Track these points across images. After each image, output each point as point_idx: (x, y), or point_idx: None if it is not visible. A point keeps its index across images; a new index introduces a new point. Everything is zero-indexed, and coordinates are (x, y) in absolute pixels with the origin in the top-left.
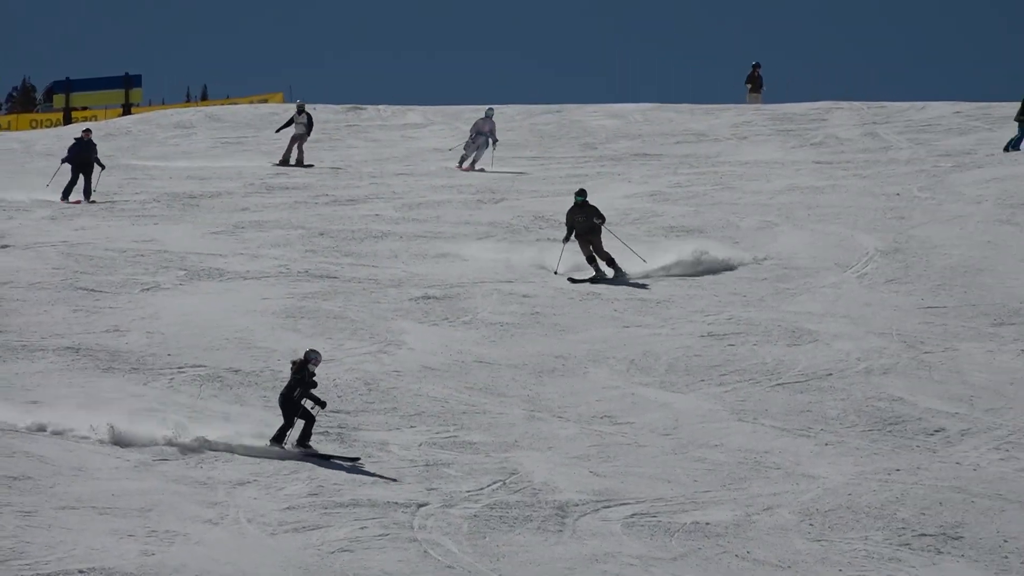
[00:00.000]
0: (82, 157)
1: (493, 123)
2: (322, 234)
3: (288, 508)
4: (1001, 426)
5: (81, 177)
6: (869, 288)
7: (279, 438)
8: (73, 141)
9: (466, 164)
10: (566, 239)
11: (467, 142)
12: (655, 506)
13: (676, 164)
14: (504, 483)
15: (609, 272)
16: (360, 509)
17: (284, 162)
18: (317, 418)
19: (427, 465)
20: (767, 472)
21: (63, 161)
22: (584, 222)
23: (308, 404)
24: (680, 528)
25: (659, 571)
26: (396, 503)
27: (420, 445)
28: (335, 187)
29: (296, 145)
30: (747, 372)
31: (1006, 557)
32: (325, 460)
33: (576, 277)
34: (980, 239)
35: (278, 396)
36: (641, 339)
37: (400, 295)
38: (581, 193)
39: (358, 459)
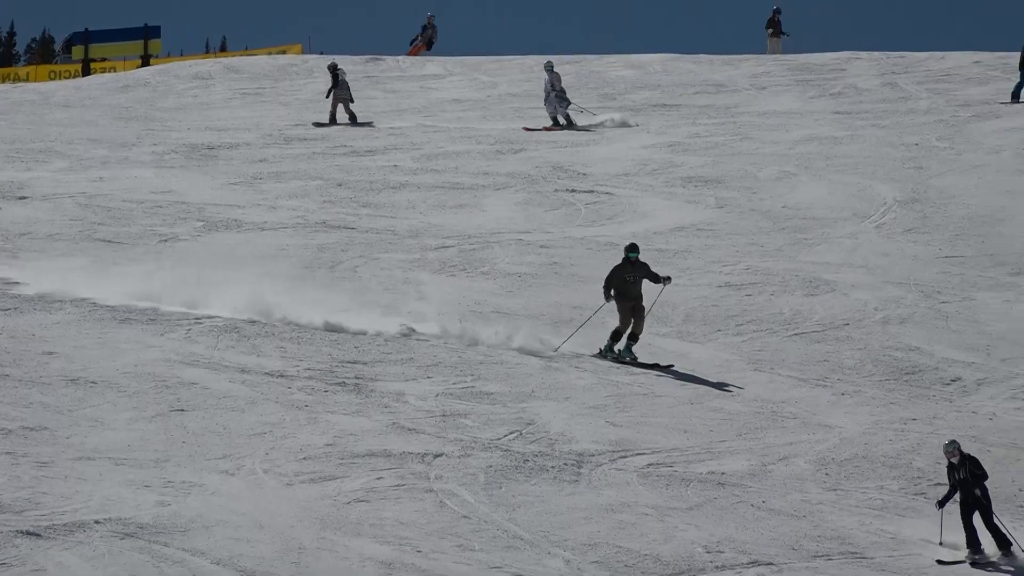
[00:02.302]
0: None
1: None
2: (340, 185)
3: (304, 459)
4: (1017, 376)
5: None
6: (887, 238)
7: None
8: None
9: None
10: (607, 298)
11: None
12: (671, 456)
13: (695, 115)
14: (520, 433)
15: (623, 349)
16: (376, 459)
17: (332, 120)
18: None
19: (444, 415)
20: (783, 422)
21: None
22: (634, 284)
23: None
24: (696, 478)
25: (675, 520)
26: (412, 453)
27: (437, 395)
28: (353, 138)
29: (343, 106)
30: (764, 322)
31: (1021, 506)
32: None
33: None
34: (998, 189)
35: None
36: (658, 289)
37: (418, 245)
38: (633, 248)
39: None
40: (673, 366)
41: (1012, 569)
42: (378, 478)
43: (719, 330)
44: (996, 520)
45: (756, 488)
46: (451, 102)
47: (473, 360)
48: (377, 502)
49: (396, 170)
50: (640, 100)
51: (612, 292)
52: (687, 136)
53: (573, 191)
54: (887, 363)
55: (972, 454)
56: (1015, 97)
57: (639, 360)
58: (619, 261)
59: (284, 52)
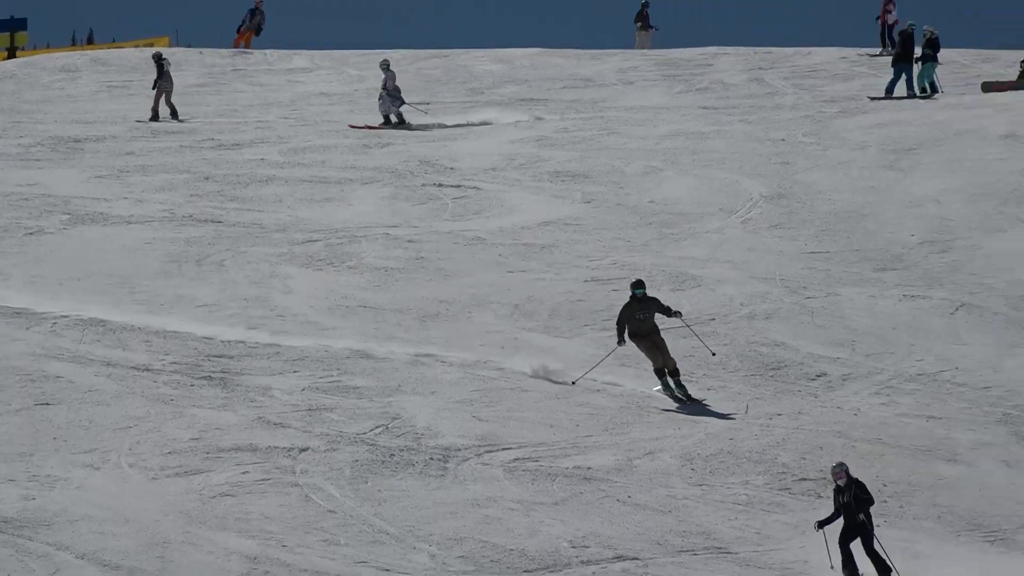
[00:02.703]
0: None
1: (387, 75)
2: (207, 179)
3: (170, 453)
4: (882, 371)
5: None
6: (753, 233)
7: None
8: None
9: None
10: (620, 341)
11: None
12: (537, 451)
13: (562, 109)
14: (387, 428)
15: (674, 388)
16: (242, 454)
17: (155, 117)
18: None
19: (310, 410)
20: (649, 416)
21: None
22: (645, 320)
23: None
24: (562, 472)
25: (540, 515)
26: (278, 448)
27: (303, 390)
28: (220, 131)
29: (164, 97)
30: None
31: (885, 501)
32: None
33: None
34: (864, 185)
35: None
36: (525, 284)
37: (285, 239)
38: (639, 285)
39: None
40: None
41: None
42: (244, 472)
43: (586, 325)
44: (877, 546)
45: (622, 483)
46: (318, 96)
47: (339, 355)
48: (243, 496)
49: (263, 164)
50: (507, 95)
51: (625, 334)
52: (555, 131)
53: (440, 185)
54: (753, 358)
55: (859, 479)
56: (888, 93)
57: (690, 394)
58: (626, 300)
59: (152, 45)
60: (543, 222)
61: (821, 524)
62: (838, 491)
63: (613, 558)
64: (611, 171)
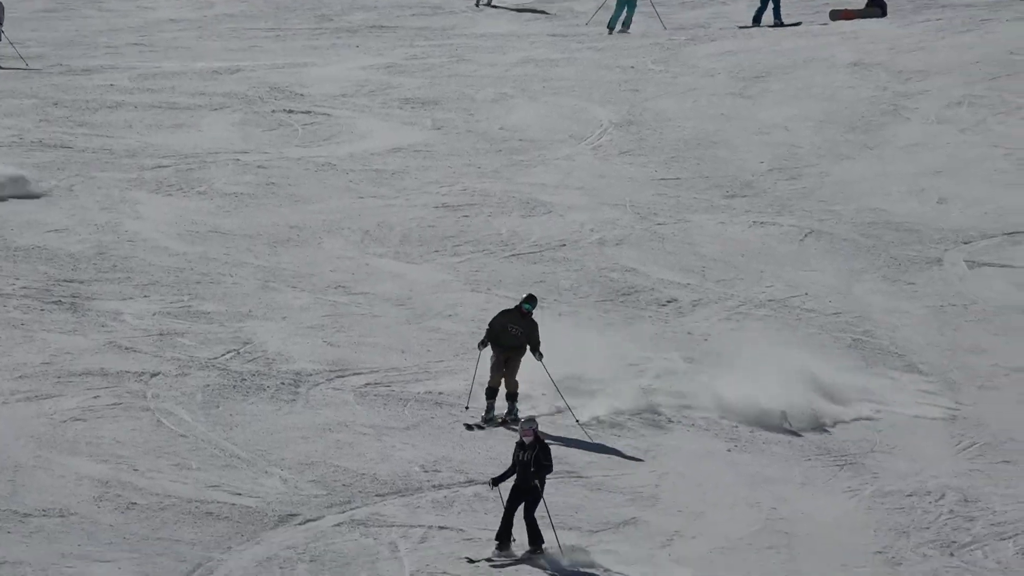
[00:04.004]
0: None
1: None
2: (56, 104)
3: (20, 377)
4: (732, 296)
5: None
6: (603, 160)
7: (501, 535)
8: None
9: None
10: (483, 344)
11: None
12: (388, 376)
13: (412, 36)
14: (238, 352)
15: (501, 413)
16: (93, 378)
17: None
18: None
19: (161, 334)
20: None
21: None
22: (517, 338)
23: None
24: (413, 397)
25: (392, 440)
26: (129, 372)
27: (154, 314)
28: (69, 57)
29: None
30: (481, 243)
31: (735, 426)
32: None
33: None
34: (713, 112)
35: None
36: (376, 210)
37: (135, 165)
38: (531, 301)
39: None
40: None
41: (538, 569)
42: (95, 397)
43: (436, 251)
44: (535, 516)
45: (472, 407)
46: (168, 22)
47: (190, 279)
48: (94, 421)
49: (113, 89)
50: (357, 21)
51: (487, 339)
52: (404, 58)
53: (290, 111)
54: (604, 284)
55: (548, 442)
56: (755, 22)
57: (498, 419)
58: (509, 306)
59: None
60: (393, 148)
61: (496, 481)
62: (520, 447)
63: (464, 482)
64: (461, 98)
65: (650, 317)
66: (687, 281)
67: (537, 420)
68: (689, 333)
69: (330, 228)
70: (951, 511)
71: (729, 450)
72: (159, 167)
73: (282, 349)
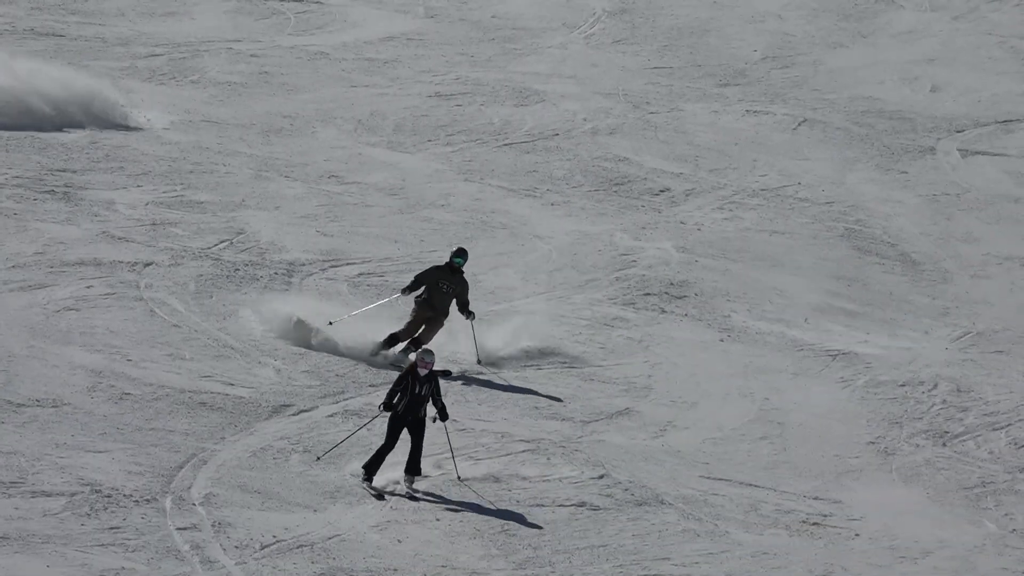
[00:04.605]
0: None
1: None
2: None
3: (13, 267)
4: (725, 186)
5: None
6: (596, 49)
7: (371, 466)
8: None
9: None
10: (406, 291)
11: None
12: (381, 266)
13: None
14: (231, 242)
15: (397, 351)
16: (86, 268)
17: None
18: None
19: (154, 224)
20: (493, 232)
21: None
22: (446, 295)
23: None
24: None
25: (385, 329)
26: (122, 262)
27: (147, 204)
28: None
29: None
30: (474, 132)
31: (728, 316)
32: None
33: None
34: (706, 0)
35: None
36: (369, 99)
37: (127, 53)
38: (461, 255)
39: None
40: (451, 373)
41: (421, 495)
42: (88, 287)
43: (429, 140)
44: (421, 452)
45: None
46: None
47: (183, 169)
48: (87, 311)
49: None
50: None
51: (418, 292)
52: None
53: (283, 0)
54: (596, 173)
55: (440, 376)
56: None
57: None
58: (440, 261)
59: None
60: (386, 37)
61: (387, 406)
62: (415, 377)
63: (458, 371)
64: None
65: (643, 206)
66: (680, 170)
67: (434, 354)
68: (682, 223)
69: (323, 117)
70: (944, 401)
71: (722, 340)
72: (152, 56)
73: (275, 239)
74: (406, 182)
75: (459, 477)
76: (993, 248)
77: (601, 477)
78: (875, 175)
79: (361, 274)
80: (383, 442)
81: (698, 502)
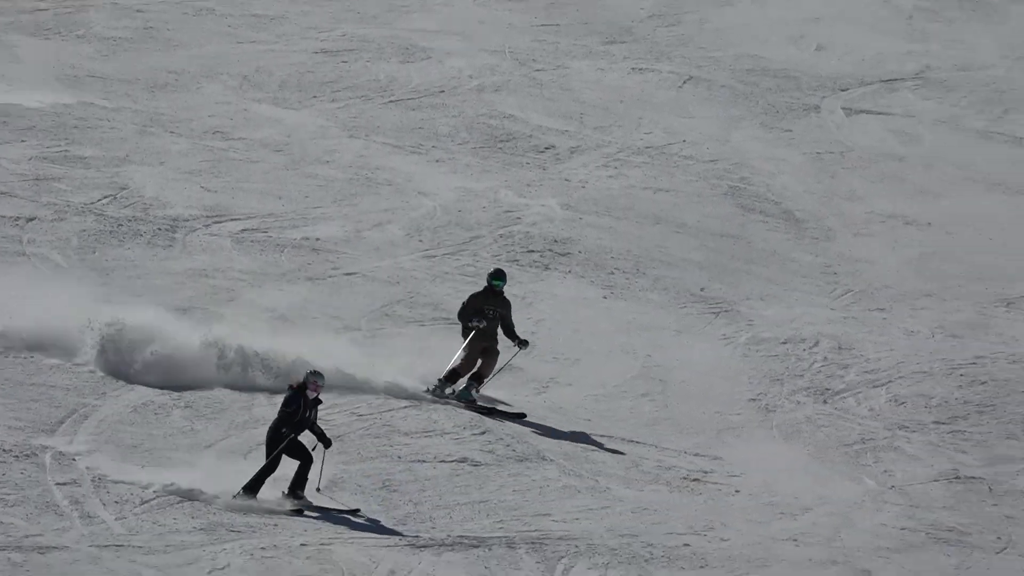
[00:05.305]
0: None
1: None
2: None
3: None
4: (610, 143)
5: None
6: (482, 5)
7: (253, 487)
8: None
9: None
10: (476, 324)
11: None
12: (266, 222)
13: None
14: (115, 198)
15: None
16: None
17: None
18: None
19: (37, 179)
20: (378, 188)
21: None
22: (492, 320)
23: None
24: (290, 243)
25: (268, 286)
26: (5, 217)
27: (30, 159)
28: None
29: None
30: (360, 88)
31: (611, 273)
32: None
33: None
34: None
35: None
36: (255, 55)
37: (12, 8)
38: (499, 276)
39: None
40: (525, 415)
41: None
42: None
43: (315, 96)
44: (308, 475)
45: (350, 254)
46: None
47: (67, 124)
48: None
49: None
50: None
51: (472, 321)
52: None
53: None
54: (482, 130)
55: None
56: None
57: (479, 404)
58: (476, 289)
59: None
60: None
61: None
62: (305, 401)
63: (340, 328)
64: None
65: (528, 163)
66: (565, 128)
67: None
68: (567, 180)
69: (208, 73)
70: (825, 359)
71: (605, 297)
72: (38, 10)
73: (159, 194)
74: (291, 138)
75: (318, 488)
76: (876, 206)
77: (483, 433)
78: (759, 133)
79: (245, 230)
80: (264, 464)
81: (579, 458)
